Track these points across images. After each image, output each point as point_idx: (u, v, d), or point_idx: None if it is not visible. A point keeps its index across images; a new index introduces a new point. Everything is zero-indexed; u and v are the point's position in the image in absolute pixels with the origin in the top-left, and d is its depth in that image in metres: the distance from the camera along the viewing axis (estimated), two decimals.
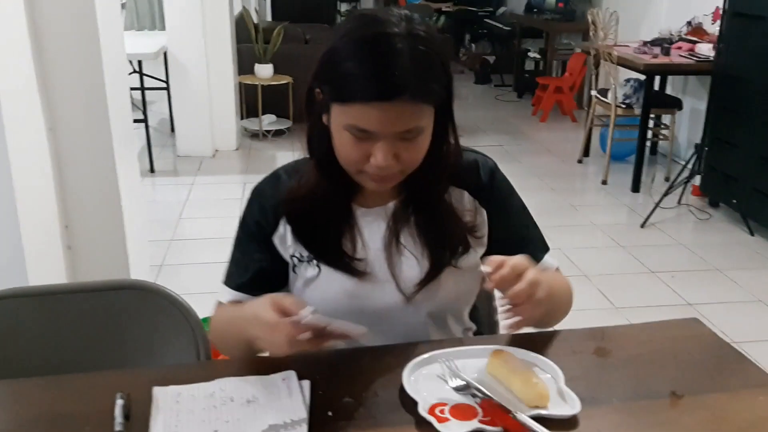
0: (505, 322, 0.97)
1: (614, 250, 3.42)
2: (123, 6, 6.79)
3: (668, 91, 4.76)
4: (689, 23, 4.58)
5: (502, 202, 1.14)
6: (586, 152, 4.89)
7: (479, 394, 0.92)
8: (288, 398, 0.92)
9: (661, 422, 0.90)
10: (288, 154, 4.70)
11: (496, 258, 0.93)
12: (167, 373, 0.99)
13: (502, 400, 0.90)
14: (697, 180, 3.91)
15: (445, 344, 1.04)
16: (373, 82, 0.91)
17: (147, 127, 4.47)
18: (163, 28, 4.91)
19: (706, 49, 4.07)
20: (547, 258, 1.15)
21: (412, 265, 1.08)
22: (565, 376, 0.95)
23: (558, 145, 5.27)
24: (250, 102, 5.18)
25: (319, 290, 1.10)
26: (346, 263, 1.08)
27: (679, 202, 3.91)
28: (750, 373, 1.01)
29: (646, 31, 4.91)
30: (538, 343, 1.04)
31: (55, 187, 2.16)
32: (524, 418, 0.86)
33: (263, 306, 0.92)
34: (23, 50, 2.01)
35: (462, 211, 1.10)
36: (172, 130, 5.06)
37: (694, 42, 4.27)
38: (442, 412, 0.88)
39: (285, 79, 5.04)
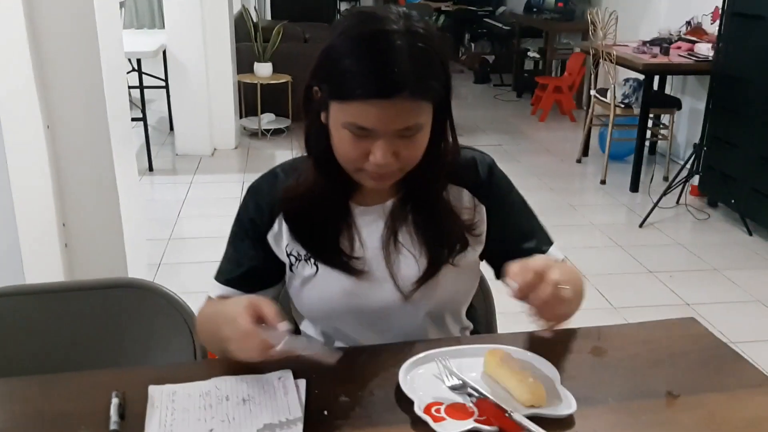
0: (536, 323, 0.95)
1: (612, 249, 3.42)
2: (122, 4, 6.78)
3: (667, 90, 4.75)
4: (688, 23, 4.58)
5: (502, 198, 1.14)
6: (585, 152, 4.89)
7: (475, 394, 0.92)
8: (284, 397, 0.92)
9: (658, 422, 0.90)
10: (287, 153, 4.69)
11: (516, 267, 0.92)
12: (163, 372, 0.99)
13: (498, 400, 0.90)
14: (695, 180, 3.91)
15: (442, 343, 1.04)
16: (372, 80, 0.91)
17: (146, 125, 4.46)
18: (162, 26, 4.90)
19: (705, 49, 4.06)
20: (553, 250, 1.15)
21: (410, 263, 1.08)
22: (562, 376, 0.95)
23: (557, 145, 5.26)
24: (249, 101, 5.18)
25: (316, 289, 1.10)
26: (344, 262, 1.08)
27: (677, 202, 3.92)
28: (746, 373, 1.01)
29: (645, 30, 4.90)
30: (535, 343, 1.04)
31: (52, 185, 2.15)
32: (520, 417, 0.86)
33: (240, 310, 0.91)
34: (21, 49, 2.01)
35: (460, 209, 1.10)
36: (171, 128, 5.06)
37: (694, 42, 4.27)
38: (438, 411, 0.88)
39: (284, 78, 5.04)
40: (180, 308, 1.23)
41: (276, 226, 1.10)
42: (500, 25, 7.67)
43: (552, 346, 1.04)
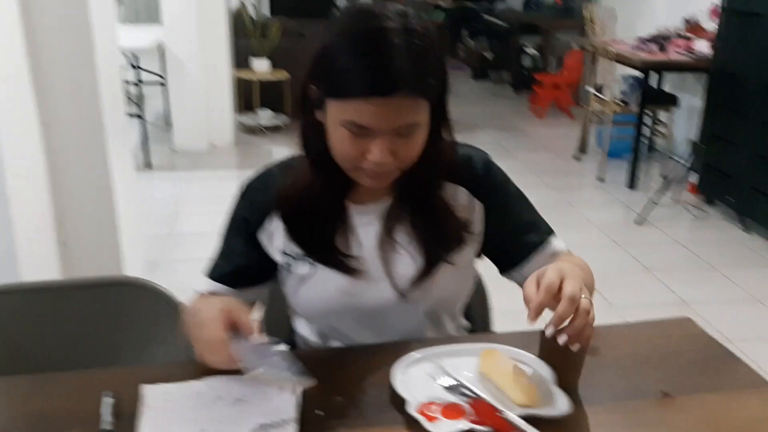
0: (563, 341, 0.89)
1: (610, 247, 3.42)
2: (119, 0, 6.76)
3: (665, 88, 4.75)
4: (687, 20, 4.58)
5: (500, 193, 1.13)
6: (582, 149, 4.89)
7: (470, 394, 0.91)
8: (277, 397, 0.91)
9: (652, 422, 0.90)
10: (284, 149, 4.67)
11: (531, 287, 0.89)
12: (156, 371, 0.98)
13: (492, 400, 0.89)
14: (693, 177, 3.91)
15: (437, 342, 1.04)
16: (370, 77, 0.90)
17: (143, 121, 4.45)
18: (159, 22, 4.88)
19: (703, 47, 4.06)
20: (554, 241, 1.14)
21: (407, 262, 1.08)
22: (556, 376, 0.94)
23: (555, 142, 5.26)
24: (247, 97, 5.18)
25: (312, 288, 1.09)
26: (340, 261, 1.07)
27: (675, 200, 3.92)
28: (741, 374, 1.01)
29: (643, 27, 4.90)
30: (530, 342, 1.03)
31: (48, 183, 2.15)
32: (514, 417, 0.86)
33: (213, 315, 0.91)
34: (16, 45, 2.00)
35: (457, 208, 1.09)
36: (169, 124, 5.05)
37: (692, 39, 4.27)
38: (432, 411, 0.88)
39: (282, 74, 5.03)
40: (174, 306, 1.22)
41: (269, 224, 1.10)
42: (499, 21, 7.66)
43: (547, 345, 1.04)
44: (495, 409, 0.87)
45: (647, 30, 4.69)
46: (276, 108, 5.25)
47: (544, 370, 0.96)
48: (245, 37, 5.07)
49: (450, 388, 0.93)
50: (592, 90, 4.58)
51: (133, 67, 4.52)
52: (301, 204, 1.06)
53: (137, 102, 4.45)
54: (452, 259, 1.09)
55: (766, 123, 3.38)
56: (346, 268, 1.07)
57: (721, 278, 3.11)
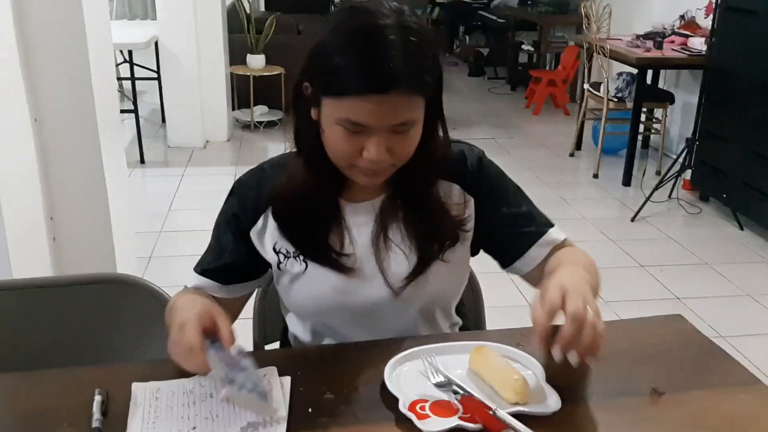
0: (575, 361, 0.87)
1: (604, 243, 3.43)
2: None
3: (660, 85, 4.76)
4: (682, 17, 4.58)
5: (494, 186, 1.13)
6: (578, 146, 4.89)
7: (460, 391, 0.91)
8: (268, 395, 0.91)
9: (642, 419, 0.90)
10: (280, 145, 4.67)
11: (538, 313, 0.87)
12: (147, 369, 0.98)
13: (482, 397, 0.89)
14: (687, 174, 3.91)
15: (428, 340, 1.04)
16: (367, 75, 0.90)
17: (137, 117, 4.43)
18: (154, 17, 4.86)
19: (698, 44, 4.06)
20: (553, 232, 1.13)
21: (400, 259, 1.08)
22: (547, 373, 0.94)
23: (550, 139, 5.26)
24: (242, 93, 5.16)
25: (306, 286, 1.09)
26: (334, 259, 1.07)
27: (669, 196, 3.92)
28: (731, 371, 1.01)
29: (639, 24, 4.90)
30: (520, 339, 1.03)
31: (39, 179, 2.14)
32: (504, 414, 0.86)
33: (191, 317, 0.90)
34: (7, 40, 1.99)
35: (450, 205, 1.09)
36: (163, 120, 5.03)
37: (687, 36, 4.27)
38: (422, 408, 0.88)
39: (277, 70, 5.01)
40: (165, 303, 1.21)
41: (260, 222, 1.10)
42: (495, 17, 7.65)
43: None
44: (485, 407, 0.87)
45: (643, 27, 4.70)
46: (271, 104, 5.24)
47: (535, 367, 0.96)
48: (240, 33, 5.05)
49: (441, 386, 0.93)
50: (587, 87, 4.58)
51: (128, 62, 4.50)
52: (295, 202, 1.06)
53: (132, 98, 4.43)
54: (445, 256, 1.09)
55: (760, 120, 3.39)
56: (339, 266, 1.07)
57: (714, 275, 3.12)
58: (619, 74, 4.37)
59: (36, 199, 2.14)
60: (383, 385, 0.92)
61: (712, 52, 3.66)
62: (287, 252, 1.09)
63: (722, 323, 2.63)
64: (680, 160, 3.75)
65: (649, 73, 4.45)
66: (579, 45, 4.90)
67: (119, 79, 5.18)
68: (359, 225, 1.08)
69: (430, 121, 1.00)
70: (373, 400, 0.91)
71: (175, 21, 4.52)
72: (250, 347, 1.33)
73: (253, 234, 1.10)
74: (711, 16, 3.71)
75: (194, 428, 0.86)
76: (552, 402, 0.89)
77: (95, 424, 0.86)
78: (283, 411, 0.88)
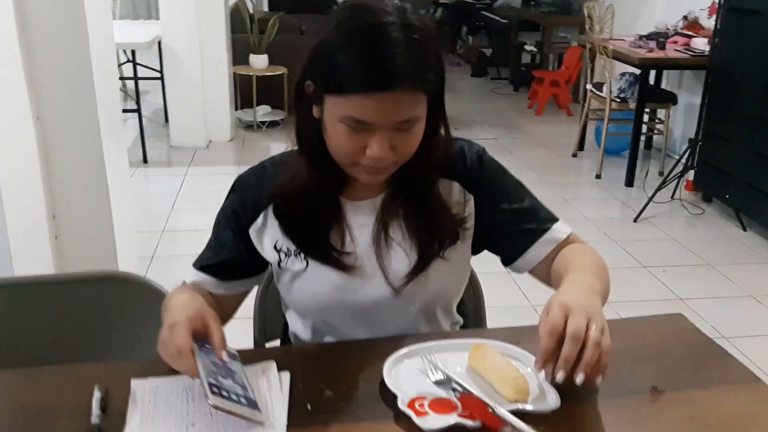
0: (580, 381, 0.85)
1: (606, 244, 3.42)
2: None
3: (663, 85, 4.75)
4: (685, 17, 4.57)
5: (494, 183, 1.12)
6: (581, 146, 4.89)
7: (459, 389, 0.91)
8: (267, 391, 0.91)
9: (641, 418, 0.90)
10: (282, 145, 4.62)
11: (548, 347, 0.86)
12: (146, 366, 0.98)
13: (481, 395, 0.89)
14: (690, 175, 3.91)
15: (429, 338, 1.03)
16: (370, 72, 0.90)
17: (140, 117, 4.44)
18: (157, 17, 4.87)
19: (701, 44, 4.06)
20: (558, 227, 1.12)
21: (401, 258, 1.07)
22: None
23: (553, 139, 5.26)
24: (245, 93, 5.16)
25: (306, 284, 1.09)
26: (335, 257, 1.07)
27: (672, 197, 3.92)
28: (731, 369, 1.01)
29: (642, 25, 4.89)
30: (520, 338, 1.03)
31: (42, 177, 2.14)
32: (503, 412, 0.85)
33: (182, 319, 0.90)
34: (10, 39, 1.99)
35: (451, 203, 1.09)
36: (166, 120, 5.04)
37: (690, 36, 4.26)
38: (421, 406, 0.88)
39: (280, 70, 5.02)
40: None
41: (260, 220, 1.10)
42: (498, 18, 7.65)
43: (537, 341, 1.04)
44: (484, 404, 0.87)
45: (646, 27, 4.69)
46: (274, 104, 5.24)
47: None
48: (243, 33, 5.05)
49: (440, 383, 0.93)
50: (590, 87, 4.57)
51: (131, 62, 4.51)
52: (296, 200, 1.06)
53: (135, 97, 4.44)
54: (446, 255, 1.09)
55: (763, 120, 3.38)
56: (340, 264, 1.07)
57: (717, 275, 3.11)
58: (622, 75, 4.36)
59: (38, 197, 2.15)
60: (382, 383, 0.92)
61: (715, 52, 3.66)
62: (288, 250, 1.09)
63: (724, 324, 2.62)
64: (683, 160, 3.74)
65: (652, 73, 4.44)
66: (582, 45, 4.91)
67: (122, 78, 5.20)
68: (360, 223, 1.08)
69: (432, 119, 1.00)
70: (372, 398, 0.91)
71: (179, 21, 4.53)
72: (250, 345, 1.33)
73: (252, 231, 1.10)
74: (714, 17, 3.70)
75: (193, 425, 0.86)
76: (551, 400, 0.89)
77: (94, 420, 0.86)
78: (283, 407, 0.88)
